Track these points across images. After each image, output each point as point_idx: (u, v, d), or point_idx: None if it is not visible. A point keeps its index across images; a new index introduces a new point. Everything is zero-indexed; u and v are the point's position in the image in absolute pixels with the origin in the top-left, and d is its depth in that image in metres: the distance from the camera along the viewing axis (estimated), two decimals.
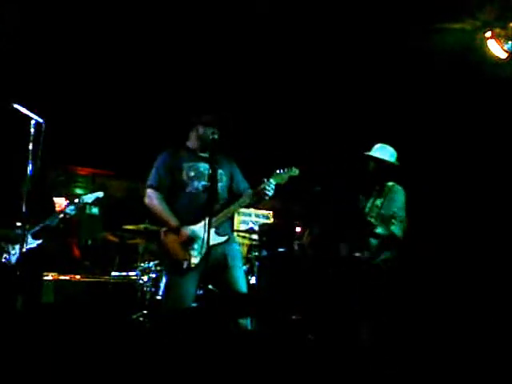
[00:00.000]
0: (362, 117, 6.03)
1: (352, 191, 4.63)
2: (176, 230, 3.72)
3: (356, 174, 4.65)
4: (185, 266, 3.66)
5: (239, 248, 4.08)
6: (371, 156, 4.39)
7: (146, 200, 3.85)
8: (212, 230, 3.66)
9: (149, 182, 3.88)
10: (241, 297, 3.75)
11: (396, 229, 4.26)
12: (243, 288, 3.82)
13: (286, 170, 3.86)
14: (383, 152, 4.39)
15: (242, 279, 3.86)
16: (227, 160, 4.02)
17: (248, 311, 3.75)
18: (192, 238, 3.69)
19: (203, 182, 3.79)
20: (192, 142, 3.96)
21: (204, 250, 3.58)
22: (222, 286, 3.84)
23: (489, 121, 5.48)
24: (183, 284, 3.70)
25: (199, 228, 3.69)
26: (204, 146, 3.87)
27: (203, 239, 3.59)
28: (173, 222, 3.75)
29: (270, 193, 3.79)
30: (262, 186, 3.79)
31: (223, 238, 3.79)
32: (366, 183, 4.49)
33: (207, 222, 3.58)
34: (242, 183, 4.02)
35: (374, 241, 4.30)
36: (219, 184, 3.86)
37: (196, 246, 3.68)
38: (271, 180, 3.80)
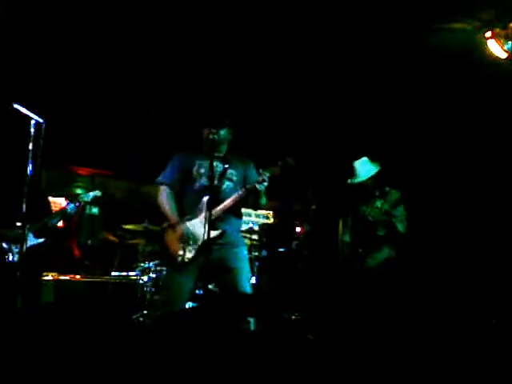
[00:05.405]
0: (361, 117, 6.03)
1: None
2: (174, 226, 3.79)
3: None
4: (179, 260, 3.72)
5: (246, 251, 4.05)
6: (367, 179, 4.72)
7: (158, 197, 3.93)
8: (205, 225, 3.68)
9: (161, 179, 3.97)
10: (243, 297, 3.75)
11: (400, 226, 4.64)
12: (247, 290, 3.82)
13: (278, 163, 3.79)
14: (367, 168, 4.73)
15: (246, 281, 3.86)
16: (243, 161, 4.01)
17: (249, 311, 3.75)
18: (187, 234, 3.75)
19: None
20: (203, 144, 3.97)
21: (199, 245, 3.69)
22: (226, 288, 3.85)
23: (489, 121, 5.48)
24: (179, 278, 3.77)
25: (195, 224, 3.76)
26: (209, 146, 3.86)
27: (196, 234, 3.71)
28: (173, 217, 3.84)
29: (264, 185, 3.70)
30: (256, 178, 3.75)
31: (216, 232, 3.74)
32: (368, 193, 4.83)
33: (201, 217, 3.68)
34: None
35: (379, 233, 4.66)
36: (226, 183, 3.87)
37: (191, 242, 3.74)
38: (264, 172, 3.71)
